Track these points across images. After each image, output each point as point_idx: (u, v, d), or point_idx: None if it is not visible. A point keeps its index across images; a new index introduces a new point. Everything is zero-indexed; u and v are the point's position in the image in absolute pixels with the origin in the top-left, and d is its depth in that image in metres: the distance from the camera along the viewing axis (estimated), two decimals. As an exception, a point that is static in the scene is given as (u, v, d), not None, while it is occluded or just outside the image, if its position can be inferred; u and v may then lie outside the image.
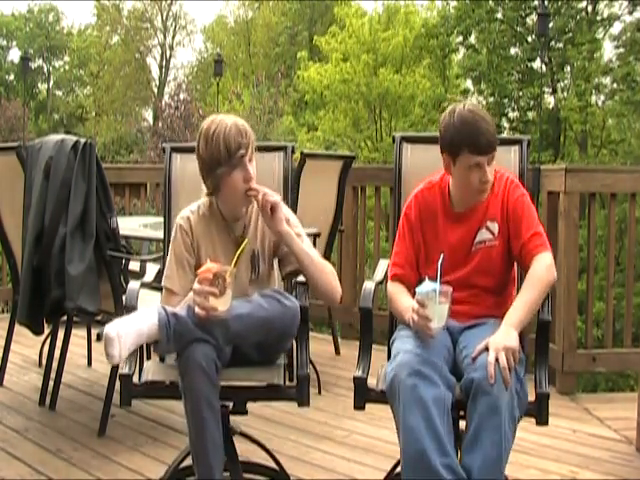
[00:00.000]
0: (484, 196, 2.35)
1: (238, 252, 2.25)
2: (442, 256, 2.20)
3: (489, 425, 2.00)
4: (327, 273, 2.34)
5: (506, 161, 2.61)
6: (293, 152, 2.82)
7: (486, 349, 2.08)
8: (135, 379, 2.28)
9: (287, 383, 2.34)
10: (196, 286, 2.14)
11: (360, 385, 2.26)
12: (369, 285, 2.45)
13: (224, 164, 2.27)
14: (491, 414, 2.00)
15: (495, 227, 2.34)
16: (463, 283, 2.32)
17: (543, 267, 2.25)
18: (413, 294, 2.26)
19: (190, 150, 2.52)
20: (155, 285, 2.58)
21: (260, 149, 2.89)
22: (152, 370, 2.32)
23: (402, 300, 2.32)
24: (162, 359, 2.45)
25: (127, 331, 2.11)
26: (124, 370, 2.25)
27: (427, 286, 2.12)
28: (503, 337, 2.09)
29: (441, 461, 1.97)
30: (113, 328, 2.10)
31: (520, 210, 2.32)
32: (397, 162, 2.73)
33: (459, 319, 2.30)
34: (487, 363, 2.02)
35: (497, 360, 2.03)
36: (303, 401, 2.31)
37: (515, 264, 2.41)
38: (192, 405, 2.15)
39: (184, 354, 2.15)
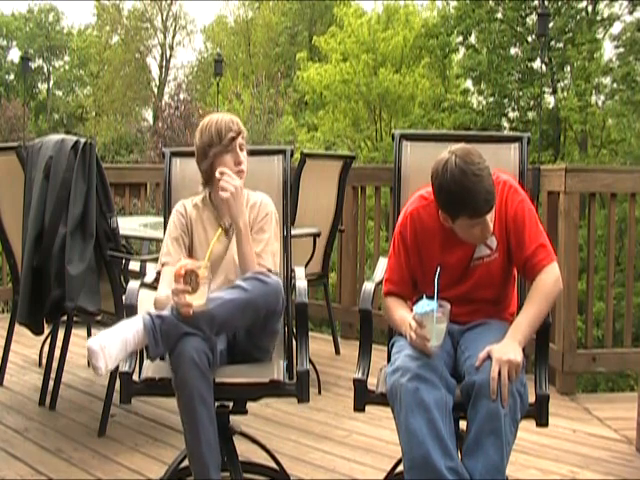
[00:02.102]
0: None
1: (211, 244, 2.33)
2: (438, 270, 2.16)
3: (490, 429, 1.99)
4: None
5: (505, 160, 2.59)
6: (292, 155, 2.84)
7: (489, 357, 2.06)
8: (135, 378, 2.28)
9: (287, 381, 2.34)
10: (173, 285, 2.18)
11: (360, 387, 2.26)
12: (369, 286, 2.44)
13: (215, 146, 2.45)
14: (492, 418, 1.99)
15: (493, 241, 2.26)
16: (463, 298, 2.29)
17: (551, 280, 2.20)
18: (409, 306, 2.26)
19: (189, 154, 2.66)
20: (155, 285, 2.58)
21: (259, 153, 2.90)
22: (151, 368, 2.31)
23: (398, 312, 2.31)
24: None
25: (111, 342, 2.12)
26: (124, 368, 2.25)
27: (425, 306, 2.08)
28: (507, 350, 2.05)
29: (446, 464, 1.97)
30: (96, 341, 2.11)
31: (521, 219, 2.24)
32: (397, 160, 2.70)
33: (459, 321, 2.28)
34: (490, 377, 2.00)
35: (499, 374, 2.00)
36: (303, 397, 2.31)
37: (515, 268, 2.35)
38: (185, 400, 2.15)
39: (175, 350, 2.16)
